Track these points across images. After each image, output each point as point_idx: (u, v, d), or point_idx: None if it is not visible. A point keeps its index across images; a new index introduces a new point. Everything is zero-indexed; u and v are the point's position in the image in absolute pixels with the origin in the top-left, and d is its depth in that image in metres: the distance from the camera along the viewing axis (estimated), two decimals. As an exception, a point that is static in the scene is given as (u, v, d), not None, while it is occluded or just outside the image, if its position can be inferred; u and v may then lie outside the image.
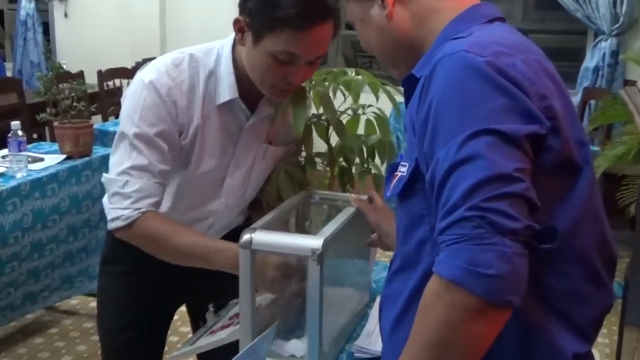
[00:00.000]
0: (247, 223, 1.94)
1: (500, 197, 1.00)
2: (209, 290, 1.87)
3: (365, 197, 1.79)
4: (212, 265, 1.66)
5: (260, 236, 1.49)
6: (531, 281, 1.02)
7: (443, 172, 1.05)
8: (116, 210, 1.70)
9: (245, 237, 1.48)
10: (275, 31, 1.61)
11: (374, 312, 1.80)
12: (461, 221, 1.01)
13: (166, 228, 1.71)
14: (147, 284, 1.98)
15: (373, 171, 1.98)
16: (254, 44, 1.66)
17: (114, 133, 4.16)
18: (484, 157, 1.02)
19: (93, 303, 4.03)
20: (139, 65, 6.19)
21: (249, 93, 1.78)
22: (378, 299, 1.79)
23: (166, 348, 2.16)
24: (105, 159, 3.38)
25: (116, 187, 1.71)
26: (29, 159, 3.12)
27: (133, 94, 1.74)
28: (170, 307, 2.11)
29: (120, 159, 1.72)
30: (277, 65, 1.66)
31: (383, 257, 4.52)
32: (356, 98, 1.87)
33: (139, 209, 1.69)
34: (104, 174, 1.77)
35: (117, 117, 5.90)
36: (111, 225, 1.72)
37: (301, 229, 1.89)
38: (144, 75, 1.74)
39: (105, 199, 1.97)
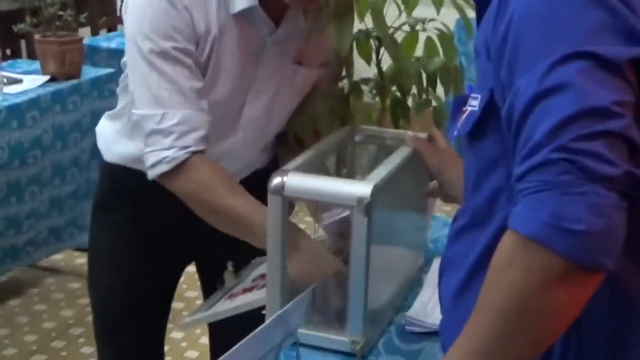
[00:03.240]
0: (272, 165, 1.97)
1: (594, 136, 1.01)
2: (227, 244, 1.91)
3: (423, 136, 1.80)
4: (258, 240, 1.65)
5: (294, 180, 1.52)
6: (629, 240, 1.04)
7: (524, 105, 1.06)
8: (157, 152, 1.72)
9: (276, 180, 1.52)
10: None
11: (431, 278, 1.84)
12: (545, 165, 1.02)
13: (220, 181, 1.73)
14: (150, 237, 2.03)
15: (434, 103, 1.99)
16: None
17: (107, 50, 4.18)
18: (575, 86, 1.03)
19: (80, 259, 4.12)
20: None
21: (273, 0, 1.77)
22: (436, 262, 1.84)
23: (170, 316, 2.23)
24: (96, 82, 3.43)
25: (152, 124, 1.71)
26: (4, 80, 3.18)
27: (135, 2, 1.75)
28: (177, 266, 2.17)
29: (142, 86, 1.73)
30: None
31: (439, 212, 4.55)
32: (410, 10, 1.86)
33: (186, 147, 1.71)
34: (134, 110, 1.77)
35: (109, 30, 5.92)
36: (153, 172, 1.73)
37: (343, 173, 1.92)
38: None
39: (101, 128, 2.00)
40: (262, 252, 1.63)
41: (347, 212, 1.55)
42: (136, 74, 1.75)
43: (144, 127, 1.73)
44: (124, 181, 1.95)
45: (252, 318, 1.58)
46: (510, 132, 1.10)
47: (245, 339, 1.25)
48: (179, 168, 1.71)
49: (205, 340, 3.29)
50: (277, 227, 1.53)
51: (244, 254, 1.88)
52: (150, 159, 1.73)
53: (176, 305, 3.63)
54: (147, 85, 1.72)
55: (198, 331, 3.52)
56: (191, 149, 1.71)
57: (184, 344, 3.54)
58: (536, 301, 1.03)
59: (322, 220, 1.73)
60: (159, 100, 1.71)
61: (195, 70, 1.75)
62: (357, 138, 1.92)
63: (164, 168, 1.71)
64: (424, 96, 1.98)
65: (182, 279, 2.21)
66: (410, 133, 1.79)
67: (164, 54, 1.71)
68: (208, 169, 1.73)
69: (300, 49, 1.90)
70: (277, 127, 1.99)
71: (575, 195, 1.00)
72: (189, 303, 3.72)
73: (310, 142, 1.87)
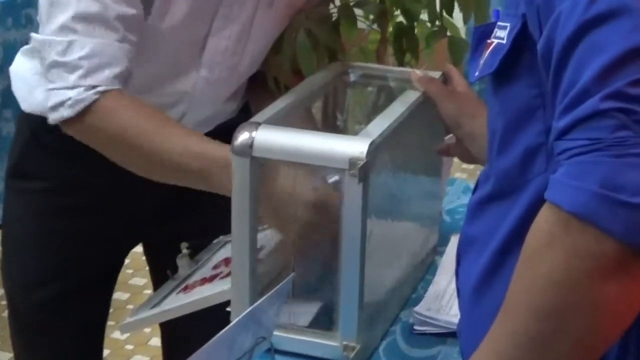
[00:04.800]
0: (242, 117, 1.94)
1: None
2: (183, 221, 1.90)
3: (436, 75, 1.79)
4: (213, 185, 1.66)
5: (265, 135, 1.50)
6: None
7: (566, 37, 1.05)
8: (58, 92, 1.71)
9: (242, 136, 1.50)
10: None
11: (447, 261, 1.83)
12: (594, 117, 1.01)
13: (143, 119, 1.72)
14: (85, 210, 2.02)
15: (449, 33, 1.98)
16: None
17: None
18: (633, 12, 1.03)
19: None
20: None
21: None
22: (453, 240, 1.84)
23: (111, 310, 2.23)
24: (9, 7, 3.39)
25: (55, 54, 1.71)
26: None
27: None
28: (119, 248, 2.16)
29: (53, 6, 1.71)
30: None
31: (457, 173, 4.55)
32: None
33: (94, 86, 1.69)
34: (33, 34, 1.76)
35: None
36: (53, 117, 1.73)
37: (332, 125, 1.91)
38: None
39: (18, 68, 1.98)
40: (226, 230, 1.62)
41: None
42: None
43: (45, 56, 1.73)
44: (48, 137, 1.92)
45: (214, 315, 1.58)
46: (549, 74, 1.09)
47: (205, 345, 1.25)
48: (86, 113, 1.70)
49: (156, 341, 3.31)
50: (244, 198, 1.52)
51: (204, 234, 1.88)
52: (53, 99, 1.72)
53: (119, 296, 3.66)
54: (58, 5, 1.70)
55: (147, 330, 3.52)
56: (100, 88, 1.70)
57: (129, 347, 3.55)
58: (582, 296, 1.03)
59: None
60: (67, 24, 1.70)
61: None
62: (349, 78, 1.91)
63: (64, 113, 1.70)
64: (437, 23, 1.97)
65: (126, 262, 2.22)
66: (418, 72, 1.78)
67: None
68: (124, 105, 1.72)
69: None
70: (251, 66, 1.98)
71: (634, 157, 1.00)
72: (136, 293, 3.74)
73: (290, 85, 1.87)
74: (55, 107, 1.71)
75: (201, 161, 1.67)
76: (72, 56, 1.69)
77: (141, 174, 1.77)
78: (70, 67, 1.69)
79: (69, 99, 1.69)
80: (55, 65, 1.71)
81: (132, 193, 1.88)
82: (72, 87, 1.69)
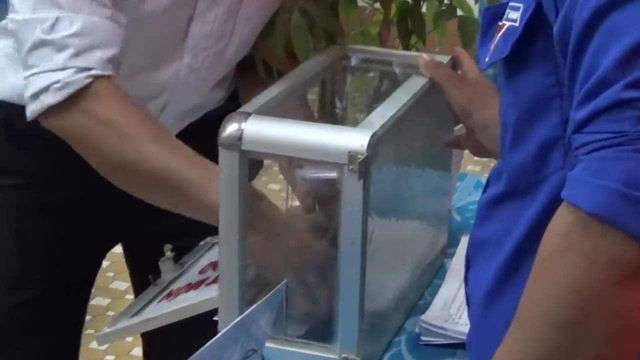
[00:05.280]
0: (231, 106, 1.94)
1: None
2: (166, 222, 1.90)
3: (445, 60, 1.79)
4: (199, 212, 1.66)
5: (255, 127, 1.50)
6: None
7: (585, 19, 1.05)
8: (43, 75, 1.67)
9: (231, 128, 1.49)
10: None
11: (457, 265, 1.83)
12: (615, 108, 1.02)
13: (136, 120, 1.69)
14: (60, 207, 2.02)
15: (459, 12, 1.99)
16: None
17: None
18: None
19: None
20: None
21: None
22: (464, 242, 1.83)
23: (88, 317, 2.22)
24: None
25: (39, 32, 1.67)
26: None
27: None
28: (97, 249, 2.17)
29: None
30: None
31: (470, 165, 4.55)
32: None
33: (87, 68, 1.67)
34: (11, 16, 1.73)
35: None
36: (34, 107, 1.69)
37: (330, 115, 1.92)
38: None
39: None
40: (214, 231, 1.61)
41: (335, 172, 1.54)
42: None
43: (26, 38, 1.69)
44: (20, 128, 1.91)
45: (200, 324, 1.59)
46: (566, 60, 1.09)
47: (190, 358, 1.25)
48: (75, 98, 1.66)
49: (138, 351, 3.31)
50: (232, 196, 1.51)
51: (189, 235, 1.89)
52: (34, 85, 1.68)
53: (99, 301, 3.66)
54: None
55: (129, 339, 3.52)
56: (94, 72, 1.67)
57: (109, 357, 3.56)
58: (603, 305, 1.04)
59: (301, 175, 1.73)
60: (53, 0, 1.67)
61: None
62: (349, 63, 1.91)
63: (50, 99, 1.66)
64: (445, 1, 1.97)
65: (107, 265, 2.20)
66: (425, 56, 1.77)
67: None
68: (118, 101, 1.70)
69: None
70: (239, 51, 1.99)
71: None
72: (117, 298, 3.73)
73: (284, 70, 1.86)
74: (36, 95, 1.67)
75: (192, 183, 1.65)
76: (60, 33, 1.66)
77: (116, 184, 1.75)
78: (59, 46, 1.66)
79: (57, 81, 1.65)
80: (40, 44, 1.67)
81: (113, 188, 1.87)
82: (62, 69, 1.66)
